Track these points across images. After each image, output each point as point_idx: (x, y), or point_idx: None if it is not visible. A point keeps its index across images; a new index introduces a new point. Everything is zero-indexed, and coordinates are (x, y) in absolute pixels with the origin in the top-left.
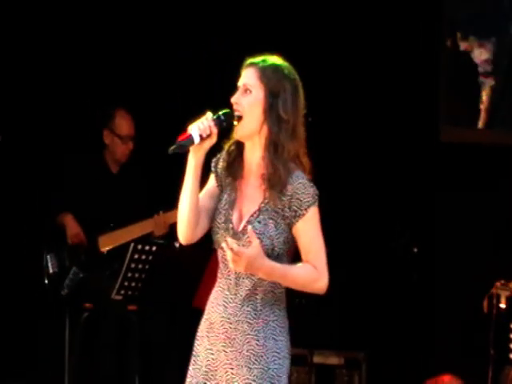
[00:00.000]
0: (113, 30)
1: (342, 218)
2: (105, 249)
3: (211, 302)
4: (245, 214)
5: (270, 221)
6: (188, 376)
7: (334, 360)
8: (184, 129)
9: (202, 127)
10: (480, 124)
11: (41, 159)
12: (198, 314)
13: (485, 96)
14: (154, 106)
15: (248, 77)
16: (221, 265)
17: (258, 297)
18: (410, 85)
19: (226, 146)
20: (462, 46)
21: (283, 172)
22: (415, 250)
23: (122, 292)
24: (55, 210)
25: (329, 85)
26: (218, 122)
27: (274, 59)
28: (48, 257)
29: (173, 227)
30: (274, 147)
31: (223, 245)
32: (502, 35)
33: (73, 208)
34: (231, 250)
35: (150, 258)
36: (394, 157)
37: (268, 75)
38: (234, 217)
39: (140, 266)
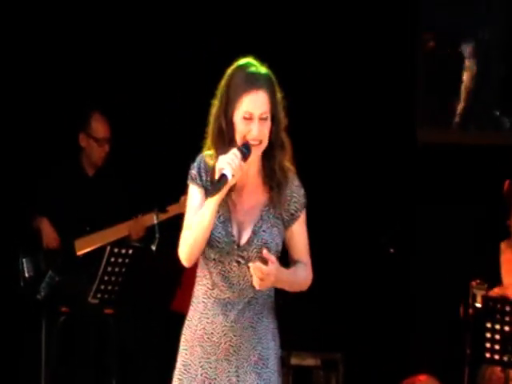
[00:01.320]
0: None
1: (319, 222)
2: (81, 252)
3: (203, 314)
4: (246, 225)
5: (274, 228)
6: None
7: (310, 361)
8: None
9: (234, 166)
10: (455, 124)
11: (17, 163)
12: (174, 317)
13: (463, 95)
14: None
15: (264, 105)
16: (217, 277)
17: (258, 301)
18: (387, 87)
19: (210, 160)
20: (440, 47)
21: (285, 177)
22: (392, 250)
23: (99, 295)
24: (31, 214)
25: (304, 89)
26: (244, 157)
27: (265, 70)
28: (24, 261)
29: (149, 230)
30: (277, 156)
31: (251, 267)
32: (476, 40)
33: (49, 212)
34: (260, 272)
35: (127, 261)
36: (372, 159)
37: (273, 95)
38: (234, 229)
39: (117, 270)
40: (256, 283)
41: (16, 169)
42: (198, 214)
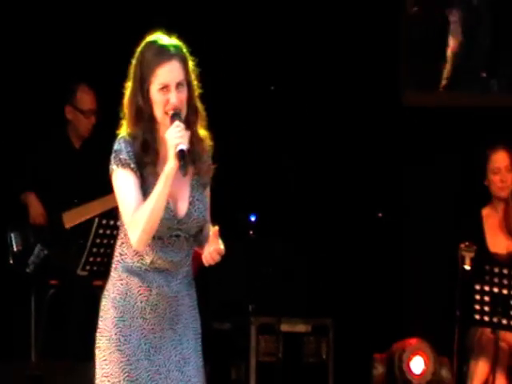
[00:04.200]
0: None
1: (306, 188)
2: (69, 225)
3: (143, 286)
4: (179, 198)
5: (203, 195)
6: (121, 356)
7: (301, 327)
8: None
9: (186, 137)
10: (442, 87)
11: (4, 138)
12: None
13: (449, 58)
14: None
15: (178, 73)
16: (156, 254)
17: (188, 269)
18: (371, 49)
19: (129, 137)
20: (426, 10)
21: (202, 144)
22: (380, 215)
23: (88, 267)
24: (18, 188)
25: (289, 52)
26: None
27: (175, 40)
28: (12, 235)
29: None
30: (195, 122)
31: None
32: (462, 4)
33: (37, 185)
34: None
35: (115, 232)
36: (358, 123)
37: (185, 63)
38: (171, 203)
39: (105, 241)
40: (207, 260)
41: (3, 144)
42: (154, 194)
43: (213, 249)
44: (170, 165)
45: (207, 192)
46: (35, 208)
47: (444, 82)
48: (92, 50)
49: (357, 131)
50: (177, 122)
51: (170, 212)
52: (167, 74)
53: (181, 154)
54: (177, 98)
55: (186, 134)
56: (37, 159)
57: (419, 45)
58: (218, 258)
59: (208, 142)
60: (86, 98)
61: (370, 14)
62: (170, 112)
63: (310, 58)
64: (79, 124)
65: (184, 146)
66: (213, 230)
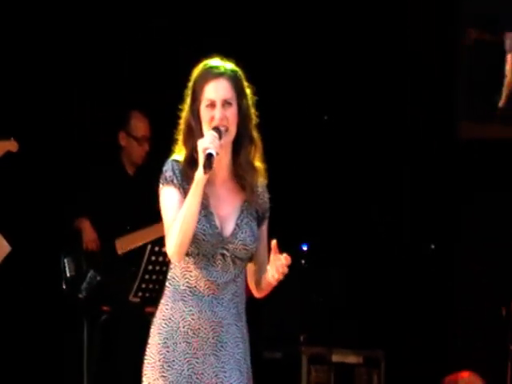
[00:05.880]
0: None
1: (361, 223)
2: (122, 251)
3: (186, 311)
4: (227, 218)
5: (253, 224)
6: (164, 382)
7: (352, 359)
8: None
9: (216, 144)
10: (497, 119)
11: (58, 164)
12: None
13: (504, 90)
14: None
15: (225, 90)
16: (201, 272)
17: (239, 298)
18: (427, 81)
19: (178, 157)
20: (485, 37)
21: (255, 174)
22: (432, 246)
23: (140, 294)
24: (72, 214)
25: (343, 81)
26: (220, 136)
27: (230, 64)
28: (65, 260)
29: None
30: (249, 150)
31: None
32: None
33: (90, 211)
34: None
35: (168, 259)
36: (413, 156)
37: (236, 85)
38: (217, 220)
39: (157, 268)
40: (275, 276)
41: (57, 169)
42: (185, 202)
43: (280, 261)
44: (200, 172)
45: (263, 228)
46: (88, 234)
47: (499, 114)
48: (148, 77)
49: (412, 165)
50: (211, 131)
51: (215, 228)
52: (213, 90)
53: (207, 157)
54: (221, 113)
55: (218, 143)
56: (90, 185)
57: (476, 76)
58: (286, 270)
59: (263, 176)
60: (139, 125)
61: (428, 45)
62: (212, 126)
63: (363, 89)
64: (132, 151)
65: (213, 151)
66: (272, 244)
